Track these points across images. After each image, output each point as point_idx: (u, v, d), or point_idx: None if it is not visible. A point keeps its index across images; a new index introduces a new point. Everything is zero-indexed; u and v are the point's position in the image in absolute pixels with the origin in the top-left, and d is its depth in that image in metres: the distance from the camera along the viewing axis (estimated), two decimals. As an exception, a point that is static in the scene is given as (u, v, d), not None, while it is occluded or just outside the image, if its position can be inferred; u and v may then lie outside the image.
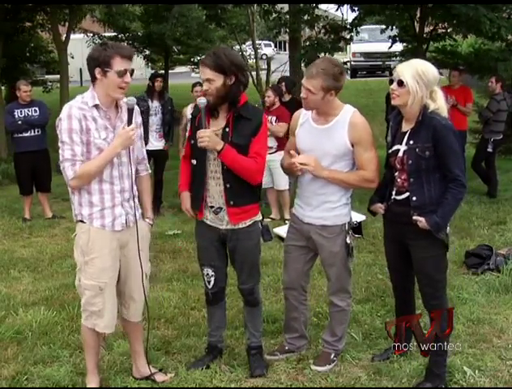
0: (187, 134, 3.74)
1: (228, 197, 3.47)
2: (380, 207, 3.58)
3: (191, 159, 3.58)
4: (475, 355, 3.84)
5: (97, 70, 3.19)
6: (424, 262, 3.43)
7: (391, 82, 3.39)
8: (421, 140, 3.32)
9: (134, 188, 3.40)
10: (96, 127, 3.21)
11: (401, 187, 3.45)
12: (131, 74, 3.23)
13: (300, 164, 3.52)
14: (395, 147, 3.45)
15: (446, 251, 3.43)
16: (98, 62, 3.17)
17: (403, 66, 3.39)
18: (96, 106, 3.23)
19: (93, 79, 3.23)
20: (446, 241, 3.39)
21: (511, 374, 3.63)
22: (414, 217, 3.35)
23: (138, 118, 3.41)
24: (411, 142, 3.36)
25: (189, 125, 3.68)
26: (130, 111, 3.28)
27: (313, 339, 4.05)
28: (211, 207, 3.53)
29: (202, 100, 3.41)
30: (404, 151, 3.38)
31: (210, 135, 3.37)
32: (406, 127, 3.43)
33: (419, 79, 3.28)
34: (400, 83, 3.32)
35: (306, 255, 3.76)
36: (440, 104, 3.35)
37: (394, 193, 3.50)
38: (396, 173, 3.46)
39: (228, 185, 3.46)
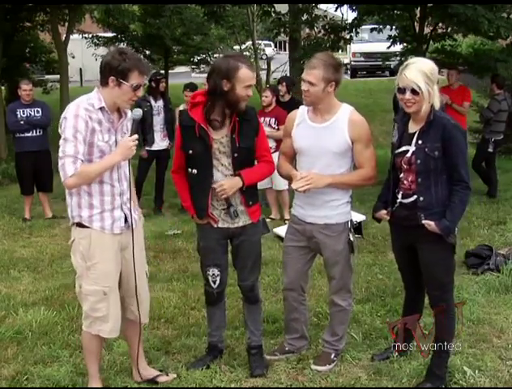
0: (175, 143, 3.72)
1: (246, 198, 3.55)
2: (385, 214, 3.52)
3: (189, 168, 3.55)
4: (475, 355, 3.84)
5: (111, 79, 3.13)
6: (434, 265, 3.39)
7: (402, 91, 3.26)
8: (431, 140, 3.27)
9: (131, 190, 3.36)
10: (100, 129, 3.18)
11: (408, 190, 3.38)
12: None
13: (302, 186, 3.48)
14: (403, 148, 3.39)
15: (454, 253, 3.40)
16: (115, 71, 3.11)
17: (413, 73, 3.22)
18: (102, 109, 3.19)
19: (104, 84, 3.17)
20: (454, 243, 3.35)
21: (511, 374, 3.63)
22: (423, 221, 3.30)
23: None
24: (420, 142, 3.31)
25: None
26: (135, 122, 3.24)
27: (313, 339, 4.05)
28: (223, 209, 3.55)
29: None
30: (413, 152, 3.33)
31: (227, 187, 3.43)
32: (414, 128, 3.37)
33: (429, 82, 3.23)
34: (414, 92, 3.22)
35: (306, 256, 3.77)
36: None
37: (400, 196, 3.44)
38: (402, 175, 3.40)
39: (244, 188, 3.51)
